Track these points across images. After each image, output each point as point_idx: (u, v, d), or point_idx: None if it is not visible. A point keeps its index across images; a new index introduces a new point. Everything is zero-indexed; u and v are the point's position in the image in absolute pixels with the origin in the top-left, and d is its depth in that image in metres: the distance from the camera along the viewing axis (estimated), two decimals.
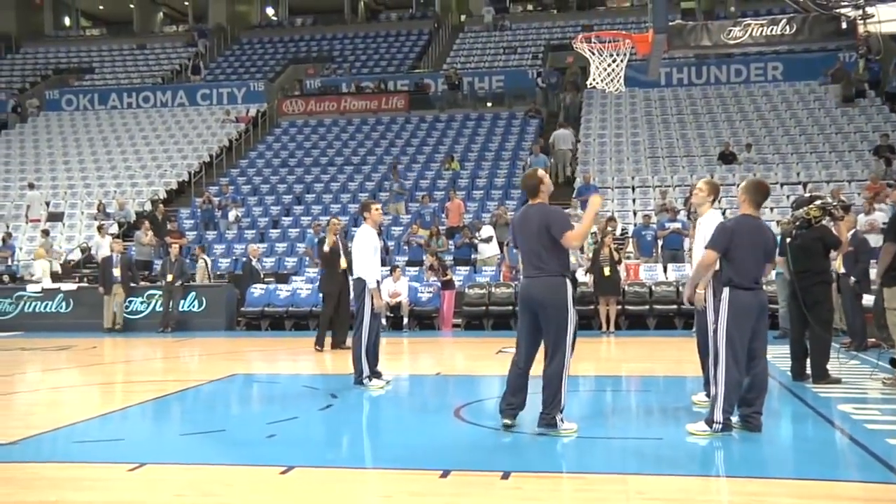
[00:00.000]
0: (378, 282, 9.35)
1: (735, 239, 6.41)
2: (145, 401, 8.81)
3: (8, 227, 22.96)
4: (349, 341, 10.02)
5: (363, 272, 9.23)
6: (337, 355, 12.58)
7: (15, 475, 5.75)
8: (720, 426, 6.34)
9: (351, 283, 9.88)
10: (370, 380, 9.27)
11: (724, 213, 17.98)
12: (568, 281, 6.48)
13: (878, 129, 23.27)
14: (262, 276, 18.96)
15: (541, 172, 6.81)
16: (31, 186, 24.62)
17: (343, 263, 12.92)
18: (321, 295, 13.97)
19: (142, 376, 11.46)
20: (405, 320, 16.97)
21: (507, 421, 6.55)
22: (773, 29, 8.11)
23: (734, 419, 6.53)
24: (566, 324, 6.40)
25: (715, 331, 6.52)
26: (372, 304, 9.25)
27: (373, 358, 9.34)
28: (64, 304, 18.80)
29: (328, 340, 13.33)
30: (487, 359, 12.36)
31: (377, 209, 9.65)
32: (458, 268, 18.68)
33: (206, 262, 19.40)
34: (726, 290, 6.44)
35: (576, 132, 24.95)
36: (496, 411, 6.69)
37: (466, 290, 17.45)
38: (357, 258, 9.34)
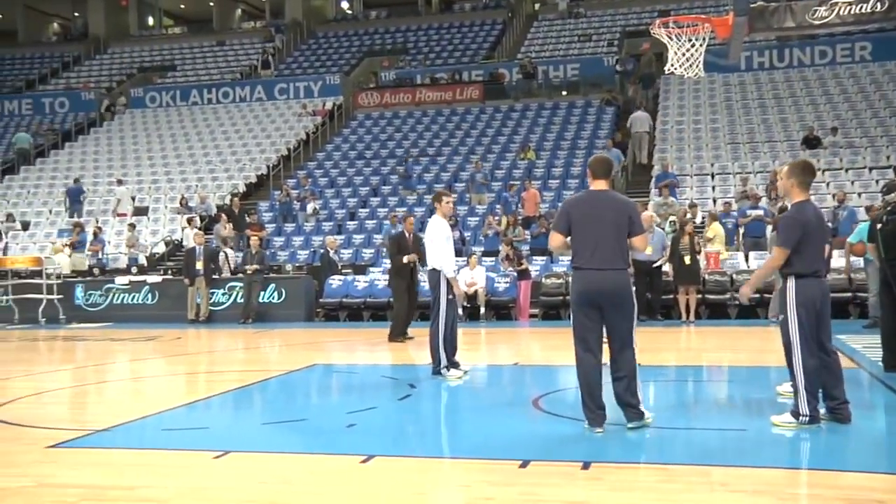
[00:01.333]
0: (455, 271, 9.36)
1: (805, 230, 6.19)
2: (228, 390, 8.99)
3: (98, 221, 23.67)
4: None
5: (438, 262, 9.27)
6: (411, 346, 12.63)
7: (108, 460, 5.94)
8: (807, 418, 6.15)
9: (424, 273, 9.84)
10: (448, 370, 9.29)
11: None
12: None
13: None
14: (339, 267, 19.16)
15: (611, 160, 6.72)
16: (120, 182, 25.38)
17: (405, 258, 12.93)
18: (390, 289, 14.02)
19: (224, 366, 11.71)
20: (482, 310, 16.95)
21: (599, 429, 6.20)
22: (862, 7, 7.80)
23: (822, 411, 6.34)
24: (633, 317, 6.30)
25: (785, 321, 6.30)
26: (449, 293, 9.28)
27: (451, 348, 9.35)
28: (150, 295, 19.32)
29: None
30: (565, 349, 12.15)
31: (448, 201, 9.69)
32: (534, 258, 18.57)
33: (227, 255, 19.73)
34: (793, 280, 6.22)
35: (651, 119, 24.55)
36: (575, 401, 6.59)
37: (543, 279, 17.34)
38: (431, 248, 9.39)
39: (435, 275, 9.33)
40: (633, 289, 6.39)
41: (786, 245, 6.22)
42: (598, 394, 6.28)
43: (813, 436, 6.14)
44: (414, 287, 13.38)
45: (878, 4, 7.88)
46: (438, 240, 9.29)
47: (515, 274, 17.15)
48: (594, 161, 6.60)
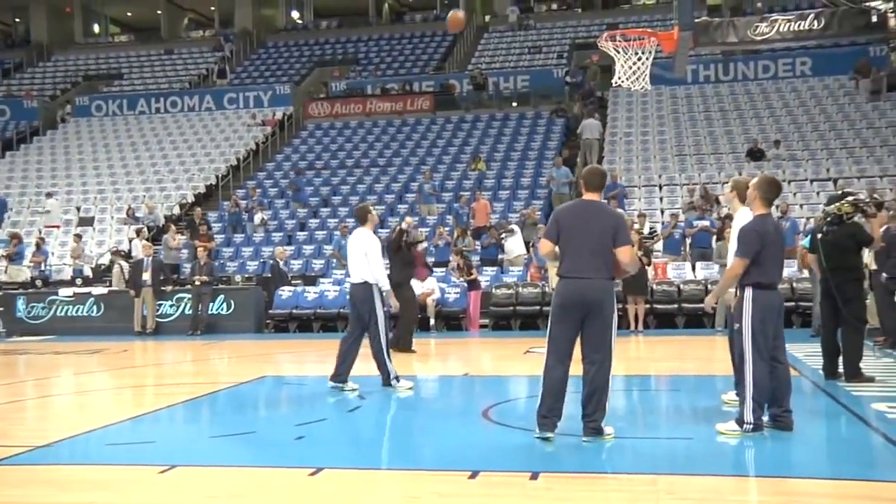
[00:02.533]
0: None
1: (763, 242, 6.33)
2: (176, 403, 8.87)
3: (41, 232, 23.21)
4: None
5: (373, 275, 9.16)
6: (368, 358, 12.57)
7: (50, 477, 5.82)
8: (751, 426, 6.27)
9: (350, 286, 9.70)
10: (398, 381, 9.28)
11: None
12: None
13: None
14: (289, 278, 19.04)
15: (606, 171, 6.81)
16: (49, 195, 24.85)
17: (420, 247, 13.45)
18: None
19: (172, 379, 11.56)
20: (432, 321, 16.96)
21: (549, 434, 6.22)
22: (801, 24, 8.01)
23: (765, 419, 6.46)
24: (613, 329, 6.28)
25: (739, 330, 6.41)
26: (384, 306, 9.30)
27: (352, 362, 9.31)
28: (95, 307, 18.97)
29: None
30: (515, 359, 12.33)
31: (375, 214, 9.80)
32: (484, 268, 18.65)
33: (122, 268, 19.48)
34: (750, 290, 6.34)
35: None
36: (525, 412, 6.65)
37: (493, 290, 17.41)
38: (362, 261, 9.19)
39: (367, 288, 9.15)
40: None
41: (745, 255, 6.33)
42: (560, 402, 6.27)
43: (758, 443, 6.25)
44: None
45: (815, 22, 8.11)
46: (374, 253, 9.15)
47: (465, 284, 17.19)
48: (587, 173, 6.66)
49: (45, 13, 39.81)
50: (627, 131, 25.19)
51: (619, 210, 6.50)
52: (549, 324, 6.42)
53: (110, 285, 19.75)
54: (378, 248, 9.25)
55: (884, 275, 11.38)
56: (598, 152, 24.15)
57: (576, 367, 6.37)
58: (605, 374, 6.24)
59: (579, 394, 6.37)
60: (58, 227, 23.63)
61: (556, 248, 6.35)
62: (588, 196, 6.49)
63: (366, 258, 9.15)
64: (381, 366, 9.27)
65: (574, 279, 6.20)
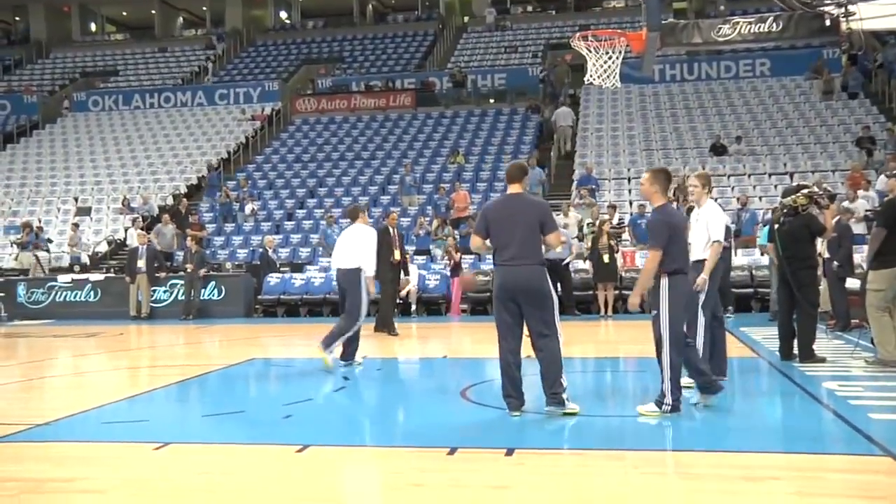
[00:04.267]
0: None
1: (672, 231, 6.29)
2: (169, 384, 8.83)
3: (39, 221, 22.98)
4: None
5: (368, 264, 9.66)
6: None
7: (48, 454, 5.78)
8: (669, 407, 6.23)
9: (338, 272, 10.06)
10: (361, 358, 9.75)
11: (715, 202, 17.93)
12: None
13: (860, 121, 23.17)
14: (277, 265, 18.96)
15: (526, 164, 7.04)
16: None
17: (397, 255, 13.43)
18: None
19: (166, 361, 11.49)
20: (413, 306, 16.95)
21: (517, 413, 6.39)
22: (760, 26, 8.04)
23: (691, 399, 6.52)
24: (553, 306, 6.39)
25: (657, 317, 6.35)
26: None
27: (356, 340, 9.74)
28: (92, 293, 18.84)
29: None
30: (491, 342, 12.24)
31: (392, 216, 11.01)
32: (464, 256, 18.64)
33: (37, 258, 19.52)
34: (666, 278, 6.29)
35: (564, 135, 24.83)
36: (500, 391, 6.65)
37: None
38: (361, 251, 9.68)
39: (357, 273, 9.58)
40: (549, 282, 6.45)
41: (658, 245, 6.28)
42: (517, 381, 6.42)
43: (718, 420, 6.30)
44: (398, 280, 13.88)
45: (774, 25, 8.14)
46: (372, 246, 9.76)
47: (448, 272, 17.14)
48: (509, 167, 6.80)
49: (43, 12, 39.34)
50: (598, 126, 25.22)
51: (541, 199, 6.65)
52: (493, 310, 6.56)
53: (107, 272, 19.61)
54: (374, 240, 9.87)
55: (835, 263, 11.50)
56: (571, 139, 24.32)
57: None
58: (554, 350, 6.34)
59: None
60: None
61: (487, 242, 6.50)
62: (511, 189, 6.61)
63: (360, 248, 9.66)
64: (351, 342, 9.60)
65: (507, 266, 6.36)
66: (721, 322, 7.83)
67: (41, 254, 20.60)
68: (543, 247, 6.47)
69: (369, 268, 9.70)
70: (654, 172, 6.65)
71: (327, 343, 9.45)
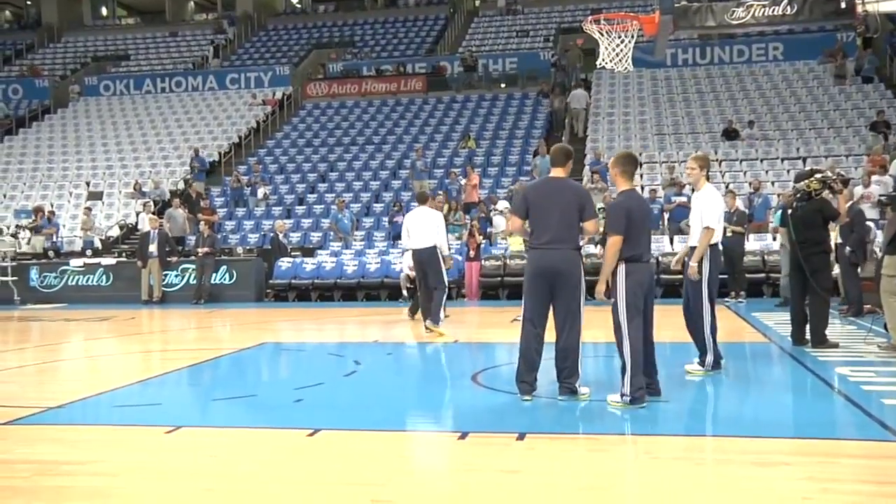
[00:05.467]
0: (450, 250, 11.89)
1: (630, 217, 6.17)
2: (180, 368, 8.86)
3: (52, 205, 23.08)
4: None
5: (441, 242, 11.07)
6: (366, 324, 12.59)
7: (61, 436, 5.81)
8: (628, 398, 6.10)
9: (417, 252, 11.18)
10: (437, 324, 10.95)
11: (726, 187, 17.86)
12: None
13: (874, 105, 22.96)
14: (288, 250, 18.98)
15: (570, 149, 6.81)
16: None
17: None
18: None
19: (177, 345, 11.55)
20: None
21: (528, 397, 6.35)
22: (774, 9, 7.96)
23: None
24: (581, 295, 6.36)
25: (615, 305, 6.24)
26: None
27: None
28: (104, 277, 18.92)
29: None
30: (503, 326, 12.33)
31: (439, 199, 11.65)
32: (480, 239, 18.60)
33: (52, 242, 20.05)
34: (623, 265, 6.17)
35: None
36: (512, 376, 6.64)
37: (483, 262, 17.39)
38: (435, 231, 11.00)
39: (435, 251, 10.95)
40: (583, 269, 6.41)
41: (616, 231, 6.17)
42: (534, 365, 6.38)
43: (729, 404, 6.28)
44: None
45: (788, 7, 8.06)
46: (443, 226, 11.33)
47: (471, 254, 17.07)
48: (553, 150, 6.73)
49: None
50: (610, 111, 25.08)
51: (582, 185, 6.58)
52: (523, 293, 6.50)
53: (119, 256, 19.70)
54: (443, 221, 11.35)
55: (847, 248, 11.41)
56: (584, 121, 24.31)
57: (550, 335, 6.40)
58: (575, 338, 6.32)
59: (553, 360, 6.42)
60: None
61: (526, 224, 6.43)
62: (555, 172, 6.56)
63: (434, 229, 10.99)
64: (438, 311, 10.97)
65: (543, 249, 6.32)
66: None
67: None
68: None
69: (444, 246, 11.15)
70: (616, 156, 6.59)
71: (434, 319, 10.80)
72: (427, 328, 10.86)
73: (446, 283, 11.23)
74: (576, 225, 6.34)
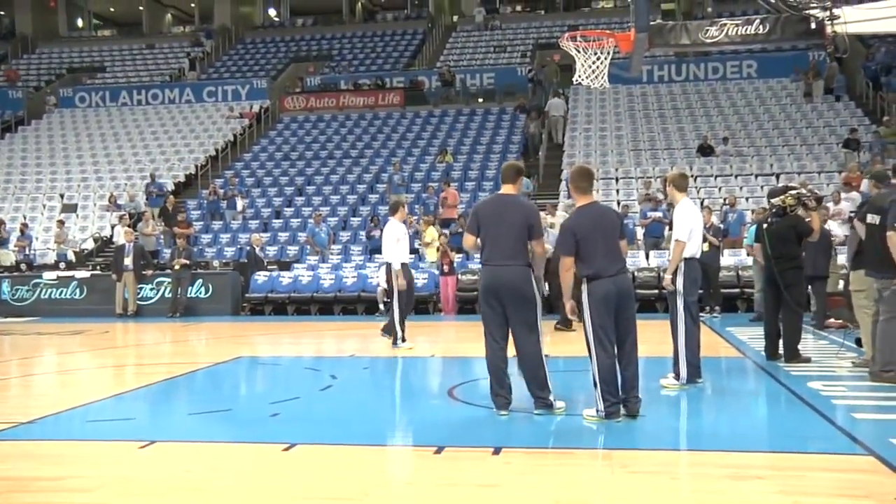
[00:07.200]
0: (403, 265, 10.91)
1: (579, 236, 6.14)
2: (155, 382, 8.80)
3: (25, 218, 22.85)
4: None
5: (391, 257, 10.78)
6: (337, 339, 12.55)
7: (33, 451, 5.75)
8: (602, 413, 6.11)
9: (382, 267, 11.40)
10: (403, 342, 11.00)
11: (702, 202, 18.04)
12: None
13: (845, 123, 23.34)
14: (265, 263, 18.92)
15: (522, 166, 6.87)
16: None
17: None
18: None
19: (152, 359, 11.45)
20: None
21: (505, 412, 6.37)
22: (747, 28, 8.09)
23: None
24: (537, 308, 6.37)
25: (584, 324, 6.22)
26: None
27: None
28: (78, 290, 18.75)
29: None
30: (479, 341, 12.21)
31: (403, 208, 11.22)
32: (455, 255, 18.62)
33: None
34: (585, 284, 6.17)
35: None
36: (488, 391, 6.66)
37: (459, 276, 17.41)
38: (388, 246, 10.83)
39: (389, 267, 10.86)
40: (535, 284, 6.43)
41: (564, 253, 6.21)
42: (504, 379, 6.41)
43: (704, 420, 6.33)
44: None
45: (761, 27, 8.20)
46: (396, 240, 10.82)
47: (444, 269, 17.07)
48: (504, 167, 6.80)
49: (29, 6, 38.96)
50: (587, 127, 25.28)
51: (531, 203, 6.64)
52: (479, 309, 6.53)
53: (93, 269, 19.52)
54: (400, 233, 10.84)
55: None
56: (562, 128, 24.65)
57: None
58: (535, 352, 6.33)
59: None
60: None
61: (478, 240, 6.44)
62: (505, 189, 6.59)
63: (390, 242, 10.77)
64: (392, 329, 11.04)
65: (494, 266, 6.33)
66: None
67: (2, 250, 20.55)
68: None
69: (394, 261, 10.81)
70: (570, 172, 6.60)
71: (387, 330, 11.12)
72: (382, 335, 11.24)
73: (395, 299, 10.91)
74: (525, 241, 6.34)
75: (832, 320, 12.16)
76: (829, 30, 7.77)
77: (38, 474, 5.14)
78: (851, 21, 7.84)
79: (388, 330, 11.15)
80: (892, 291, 7.51)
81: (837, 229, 14.91)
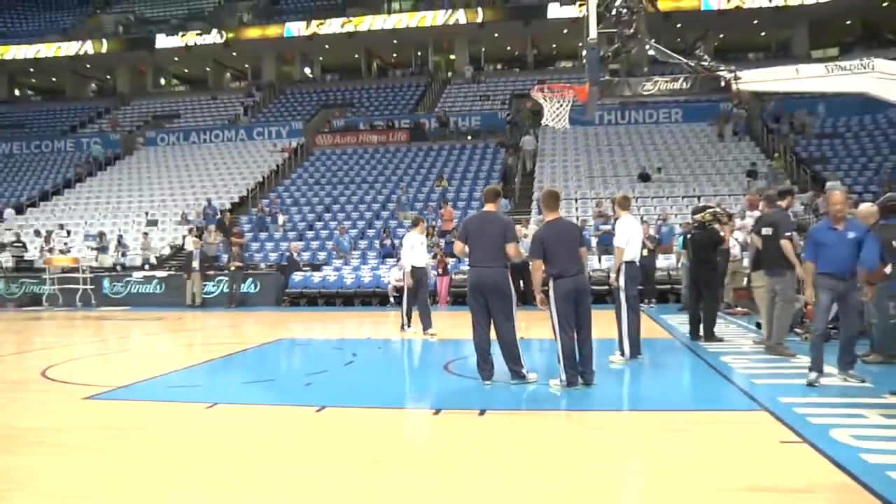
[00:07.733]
0: (415, 267, 10.68)
1: (546, 244, 6.17)
2: (216, 357, 8.80)
3: (120, 230, 22.89)
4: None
5: (405, 261, 10.77)
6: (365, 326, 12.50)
7: (128, 409, 5.77)
8: (564, 383, 6.10)
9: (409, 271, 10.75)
10: (409, 327, 10.89)
11: (642, 218, 18.06)
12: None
13: (748, 158, 23.44)
14: (301, 265, 18.90)
15: (500, 189, 6.91)
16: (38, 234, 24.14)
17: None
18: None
19: (213, 340, 11.44)
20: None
21: (489, 382, 6.38)
22: (674, 84, 8.16)
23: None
24: (511, 301, 6.38)
25: (550, 312, 6.26)
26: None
27: (427, 318, 10.58)
28: (158, 286, 18.74)
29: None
30: (468, 326, 12.28)
31: (423, 223, 11.17)
32: (449, 259, 18.64)
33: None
34: (551, 281, 6.20)
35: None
36: (475, 366, 6.68)
37: (453, 275, 17.42)
38: (405, 252, 10.78)
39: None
40: (510, 282, 6.45)
41: (533, 257, 6.24)
42: (488, 357, 6.43)
43: (638, 386, 6.35)
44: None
45: (684, 83, 8.27)
46: (411, 247, 10.70)
47: (440, 271, 17.14)
48: (486, 190, 6.86)
49: (127, 72, 39.56)
50: (553, 158, 25.29)
51: (507, 217, 6.73)
52: (468, 302, 6.52)
53: (169, 270, 19.52)
54: (416, 242, 10.70)
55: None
56: (533, 160, 24.65)
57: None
58: (511, 336, 6.32)
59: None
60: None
61: (465, 247, 6.49)
62: (487, 207, 6.64)
63: (407, 249, 10.65)
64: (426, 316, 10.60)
65: (478, 268, 6.36)
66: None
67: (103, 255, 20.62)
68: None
69: (406, 264, 10.74)
70: (542, 193, 6.58)
71: (417, 320, 10.76)
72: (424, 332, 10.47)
73: (405, 294, 10.96)
74: (503, 248, 6.34)
75: (738, 309, 12.22)
76: (734, 87, 7.88)
77: (131, 425, 5.16)
78: (750, 81, 7.98)
79: (426, 324, 10.51)
80: (782, 286, 7.63)
81: (743, 237, 14.96)
